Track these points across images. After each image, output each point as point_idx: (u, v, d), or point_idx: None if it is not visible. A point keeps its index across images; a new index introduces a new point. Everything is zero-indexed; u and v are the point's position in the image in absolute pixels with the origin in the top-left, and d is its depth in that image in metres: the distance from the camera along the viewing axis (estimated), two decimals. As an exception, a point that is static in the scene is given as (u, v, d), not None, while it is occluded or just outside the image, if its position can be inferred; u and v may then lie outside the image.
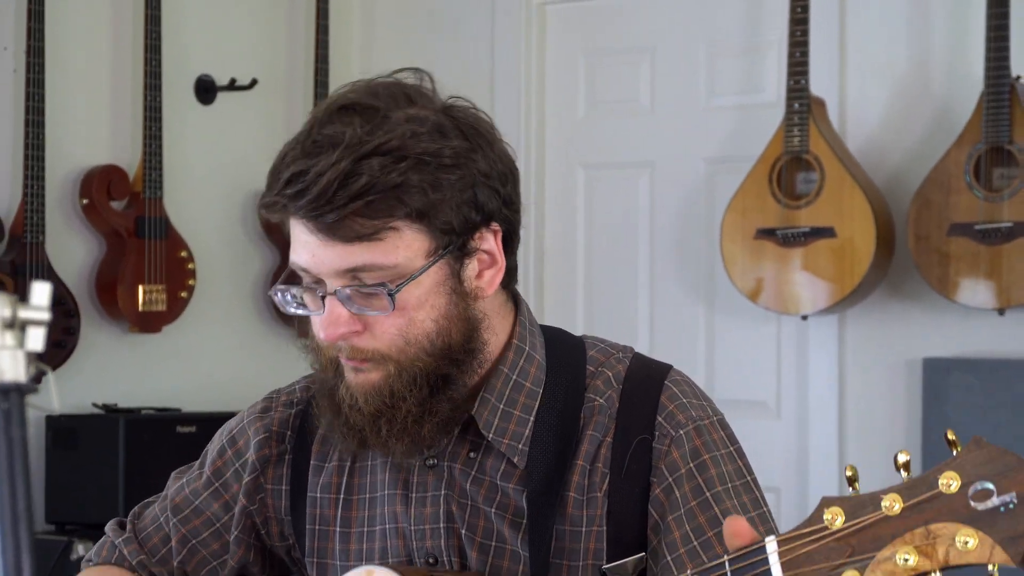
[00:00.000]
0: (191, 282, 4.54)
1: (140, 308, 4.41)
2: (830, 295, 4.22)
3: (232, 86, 4.75)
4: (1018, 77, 4.05)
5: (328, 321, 1.71)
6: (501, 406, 1.80)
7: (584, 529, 1.77)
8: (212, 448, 2.00)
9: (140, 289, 4.40)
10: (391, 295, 1.69)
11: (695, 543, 1.72)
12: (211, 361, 4.72)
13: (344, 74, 4.82)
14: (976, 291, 4.06)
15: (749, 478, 1.81)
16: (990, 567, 1.29)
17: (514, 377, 1.81)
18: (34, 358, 1.10)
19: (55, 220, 4.30)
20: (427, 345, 1.73)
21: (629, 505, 1.77)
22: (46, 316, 1.08)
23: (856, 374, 4.45)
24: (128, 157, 4.48)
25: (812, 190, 4.24)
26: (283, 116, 4.91)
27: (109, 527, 2.06)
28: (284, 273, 1.83)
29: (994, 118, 4.04)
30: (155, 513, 2.02)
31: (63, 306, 4.24)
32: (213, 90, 4.75)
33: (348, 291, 1.70)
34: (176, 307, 4.51)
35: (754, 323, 4.59)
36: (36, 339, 1.08)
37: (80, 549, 4.02)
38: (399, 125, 1.68)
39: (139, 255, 4.40)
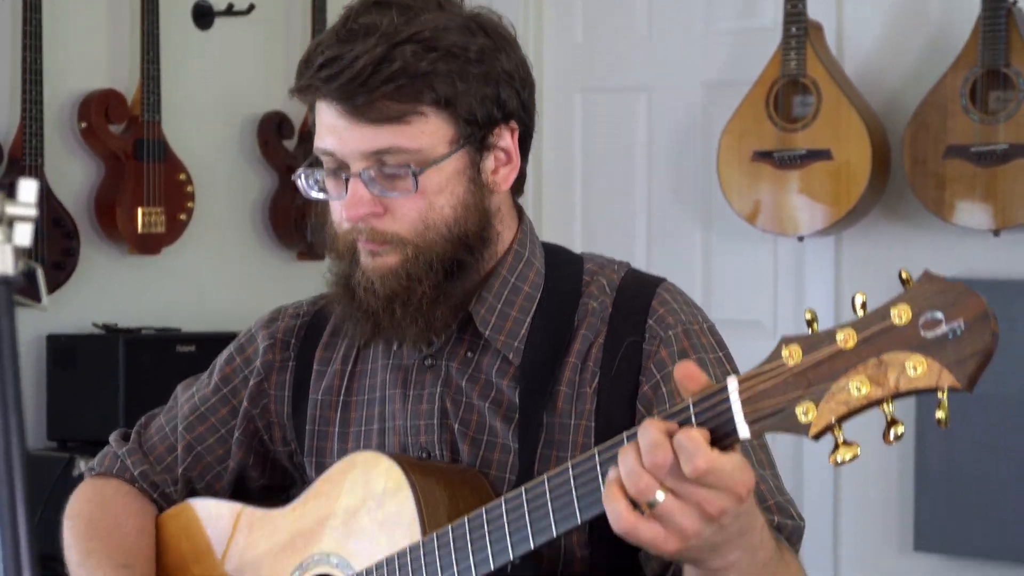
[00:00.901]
0: (190, 204, 4.56)
1: (139, 230, 4.43)
2: (826, 217, 4.23)
3: (229, 11, 4.75)
4: (1015, 1, 4.05)
5: (351, 202, 1.77)
6: (499, 305, 1.85)
7: (573, 423, 1.82)
8: (221, 358, 2.05)
9: (139, 211, 4.42)
10: (415, 176, 1.75)
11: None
12: (210, 282, 4.75)
13: None
14: (972, 213, 4.06)
15: None
16: (939, 393, 1.31)
17: (512, 280, 1.86)
18: (23, 254, 1.13)
19: (54, 143, 4.32)
20: (445, 230, 1.79)
21: (617, 403, 1.81)
22: (33, 212, 1.11)
23: (852, 294, 4.46)
24: (126, 81, 4.50)
25: (809, 113, 4.24)
26: (281, 41, 4.92)
27: (112, 437, 2.11)
28: (307, 160, 1.88)
29: (991, 41, 4.04)
30: (161, 423, 2.07)
31: (62, 228, 4.26)
32: (211, 15, 4.76)
33: (372, 173, 1.76)
34: (175, 229, 4.53)
35: (751, 245, 4.61)
36: (23, 234, 1.11)
37: (81, 465, 4.04)
38: (431, 20, 1.76)
39: (137, 178, 4.42)
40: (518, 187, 1.90)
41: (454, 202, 1.79)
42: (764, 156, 4.29)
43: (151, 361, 4.25)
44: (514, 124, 1.83)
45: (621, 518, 1.45)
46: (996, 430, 4.09)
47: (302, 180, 1.84)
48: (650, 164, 4.84)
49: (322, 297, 2.01)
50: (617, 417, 1.80)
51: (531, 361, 1.83)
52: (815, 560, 3.79)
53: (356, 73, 1.72)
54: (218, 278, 4.78)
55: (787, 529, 1.73)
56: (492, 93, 1.78)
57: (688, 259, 4.77)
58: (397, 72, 1.72)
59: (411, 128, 1.74)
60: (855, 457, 1.35)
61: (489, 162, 1.81)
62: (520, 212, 1.92)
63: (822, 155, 4.22)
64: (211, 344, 4.37)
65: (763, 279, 4.64)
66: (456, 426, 1.85)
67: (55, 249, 4.24)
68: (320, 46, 1.77)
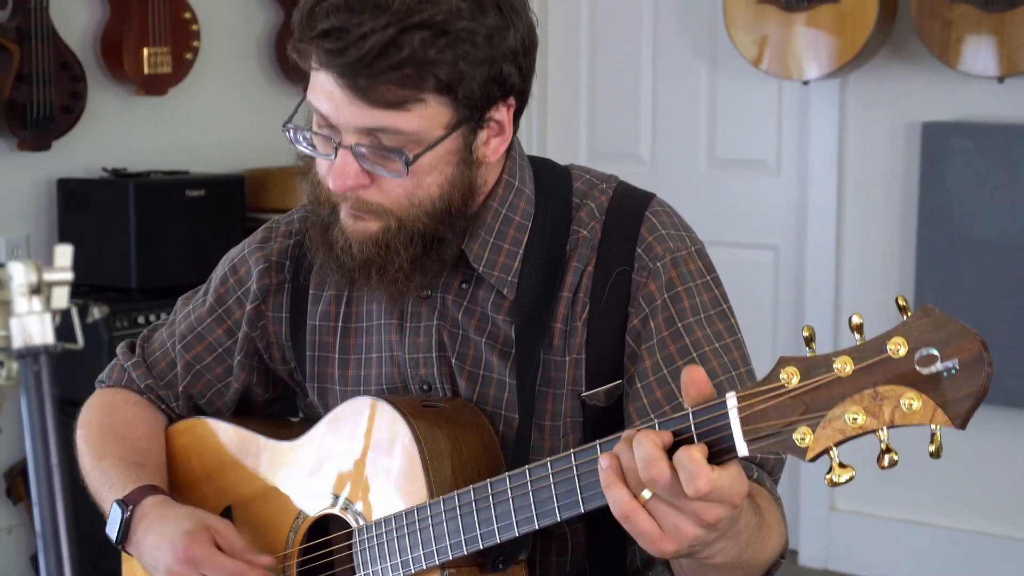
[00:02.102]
0: (196, 43, 4.54)
1: (145, 71, 4.42)
2: (832, 60, 4.22)
3: None
4: None
5: (339, 172, 1.75)
6: (491, 239, 1.85)
7: (567, 358, 1.84)
8: (215, 276, 2.07)
9: (145, 52, 4.41)
10: (407, 164, 1.72)
11: (665, 371, 1.79)
12: (218, 122, 4.75)
13: None
14: (977, 58, 4.05)
15: (725, 306, 1.86)
16: (932, 427, 1.36)
17: (503, 211, 1.85)
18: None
19: (58, -17, 4.30)
20: (429, 208, 1.77)
21: (608, 334, 1.83)
22: (69, 276, 1.14)
23: (856, 136, 4.48)
24: (130, -83, 4.44)
25: (817, -47, 4.20)
26: None
27: (120, 349, 2.15)
28: (296, 107, 1.85)
29: None
30: (163, 338, 2.11)
31: (69, 71, 4.25)
32: None
33: (364, 148, 1.73)
34: (181, 69, 4.52)
35: (756, 86, 4.60)
36: (61, 298, 1.14)
37: (96, 312, 4.12)
38: (445, 1, 1.69)
39: (143, 17, 4.40)
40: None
41: (441, 180, 1.77)
42: (771, -2, 4.26)
43: (161, 205, 4.29)
44: (512, 100, 1.79)
45: (621, 503, 1.49)
46: (995, 276, 4.15)
47: (291, 134, 1.80)
48: (656, 3, 4.81)
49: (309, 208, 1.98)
50: (607, 349, 1.83)
51: (525, 296, 1.84)
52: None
53: (363, 54, 1.66)
54: (225, 117, 4.79)
55: (769, 464, 1.79)
56: (495, 74, 1.74)
57: (693, 98, 4.77)
58: (404, 60, 1.67)
59: (409, 114, 1.71)
60: (851, 479, 1.40)
61: (481, 136, 1.78)
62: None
63: (829, -2, 4.19)
64: (220, 188, 4.41)
65: (768, 120, 4.65)
66: (454, 360, 1.88)
67: (63, 92, 4.23)
68: (326, 3, 1.70)
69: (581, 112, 5.00)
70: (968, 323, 1.36)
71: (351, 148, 1.73)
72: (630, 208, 1.87)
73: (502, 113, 1.79)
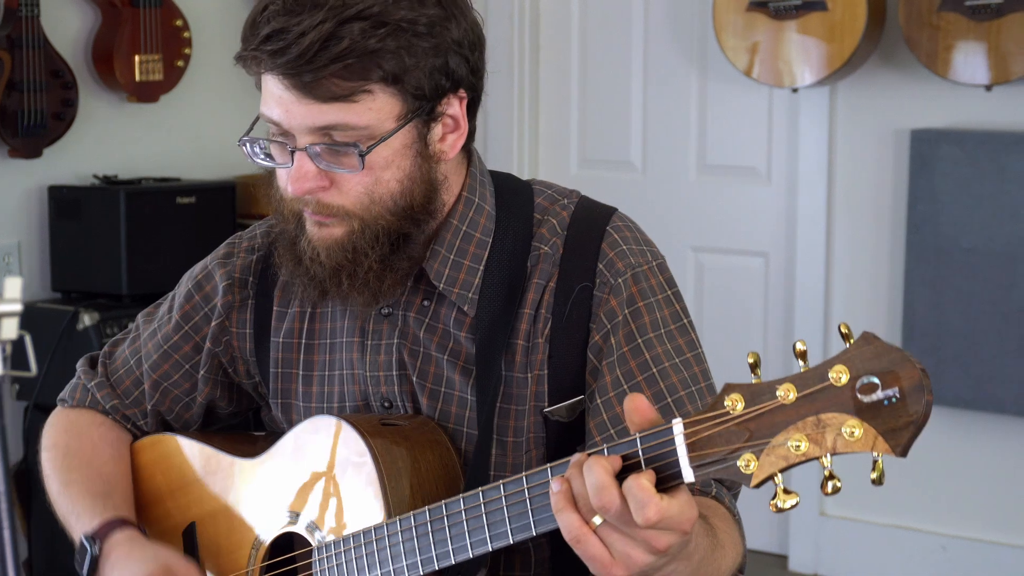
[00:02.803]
0: (187, 51, 4.55)
1: (137, 78, 4.44)
2: (821, 68, 4.22)
3: None
4: None
5: (296, 176, 1.77)
6: (452, 256, 1.86)
7: (529, 374, 1.85)
8: (179, 293, 2.08)
9: (136, 59, 4.43)
10: (361, 156, 1.74)
11: (625, 386, 1.80)
12: (209, 129, 4.77)
13: None
14: (965, 66, 4.06)
15: (685, 320, 1.87)
16: (875, 454, 1.37)
17: (464, 228, 1.87)
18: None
19: (50, -9, 4.32)
20: (391, 204, 1.79)
21: (569, 350, 1.84)
22: (18, 308, 1.17)
23: (845, 144, 4.49)
24: (121, -75, 4.46)
25: (805, -39, 4.21)
26: None
27: (81, 367, 2.16)
28: (252, 123, 1.87)
29: None
30: (126, 356, 2.12)
31: (61, 78, 4.27)
32: None
33: (318, 148, 1.75)
34: (173, 76, 4.54)
35: (746, 93, 4.61)
36: (10, 329, 1.16)
37: (86, 319, 4.14)
38: None
39: (134, 24, 4.41)
40: (468, 140, 1.88)
41: (400, 176, 1.79)
42: (760, 5, 4.26)
43: (152, 213, 4.30)
44: (463, 92, 1.81)
45: (572, 527, 1.50)
46: (983, 284, 4.15)
47: (247, 147, 1.83)
48: (647, 9, 4.82)
49: (275, 225, 2.00)
50: (568, 365, 1.84)
51: (487, 313, 1.85)
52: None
53: (303, 50, 1.69)
54: (217, 124, 4.80)
55: (728, 480, 1.79)
56: (441, 64, 1.76)
57: (683, 105, 4.78)
58: (345, 51, 1.70)
59: (358, 106, 1.73)
60: (795, 505, 1.41)
61: (436, 131, 1.80)
62: (469, 152, 1.91)
63: (817, 5, 4.19)
64: (210, 195, 4.42)
65: (758, 127, 4.66)
66: (415, 378, 1.89)
67: (55, 100, 4.25)
68: (266, 12, 1.74)
69: (572, 120, 5.00)
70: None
71: (306, 150, 1.75)
72: (591, 223, 1.88)
73: (455, 107, 1.81)
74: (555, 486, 1.51)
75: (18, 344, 1.25)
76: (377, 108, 1.74)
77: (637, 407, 1.50)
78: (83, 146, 4.45)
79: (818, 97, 4.47)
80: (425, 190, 1.81)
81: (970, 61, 4.05)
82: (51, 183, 4.37)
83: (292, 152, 1.77)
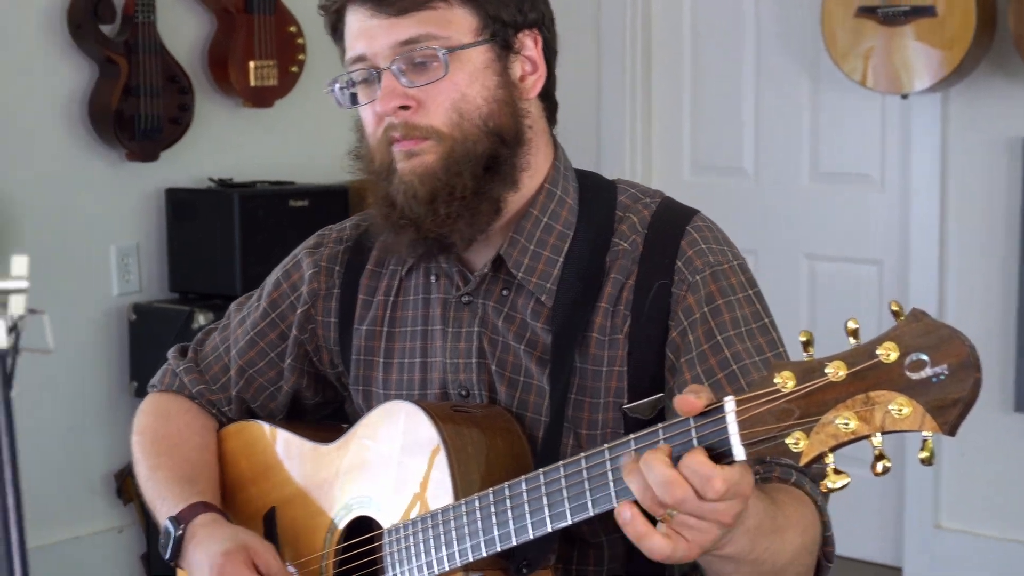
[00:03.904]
0: (301, 56, 4.62)
1: (252, 83, 4.51)
2: (931, 74, 4.17)
3: None
4: None
5: (384, 94, 1.83)
6: (531, 246, 1.88)
7: (605, 369, 1.86)
8: (268, 282, 2.13)
9: (251, 65, 4.50)
10: (444, 58, 1.80)
11: (705, 384, 1.79)
12: (322, 134, 4.82)
13: None
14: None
15: (766, 320, 1.86)
16: (924, 433, 1.36)
17: (544, 219, 1.89)
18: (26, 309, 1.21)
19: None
20: (480, 122, 1.83)
21: (648, 348, 1.84)
22: (25, 285, 1.19)
23: (958, 151, 4.43)
24: (238, -66, 4.54)
25: (914, -33, 4.16)
26: None
27: (171, 353, 2.21)
28: (335, 78, 1.94)
29: None
30: (216, 343, 2.16)
31: (177, 83, 4.36)
32: None
33: (402, 65, 1.81)
34: (287, 82, 4.61)
35: (856, 100, 4.57)
36: (18, 305, 1.18)
37: (201, 319, 4.22)
38: None
39: (248, 31, 4.49)
40: (551, 114, 1.92)
41: (486, 95, 1.83)
42: (868, 12, 4.23)
43: (265, 215, 4.37)
44: (537, 33, 1.88)
45: (662, 549, 1.49)
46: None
47: (335, 90, 1.91)
48: (758, 16, 4.80)
49: (365, 219, 2.07)
50: (647, 363, 1.84)
51: (564, 304, 1.86)
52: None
53: None
54: (330, 129, 4.82)
55: (811, 471, 1.74)
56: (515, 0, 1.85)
57: (795, 111, 4.75)
58: None
59: (436, 14, 1.81)
60: (846, 485, 1.40)
61: (516, 68, 1.86)
62: (556, 145, 1.94)
63: (926, 11, 4.14)
64: (323, 198, 4.48)
65: (870, 134, 4.62)
66: (493, 366, 1.91)
67: (171, 105, 4.34)
68: None
69: (684, 126, 5.00)
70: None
71: (391, 69, 1.81)
72: (672, 222, 1.88)
73: (531, 48, 1.88)
74: (626, 514, 1.49)
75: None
76: (456, 20, 1.82)
77: (688, 408, 1.48)
78: (199, 150, 4.54)
79: (930, 104, 4.42)
80: (512, 115, 1.85)
81: (1085, 65, 3.98)
82: (168, 186, 4.46)
83: (379, 76, 1.83)
